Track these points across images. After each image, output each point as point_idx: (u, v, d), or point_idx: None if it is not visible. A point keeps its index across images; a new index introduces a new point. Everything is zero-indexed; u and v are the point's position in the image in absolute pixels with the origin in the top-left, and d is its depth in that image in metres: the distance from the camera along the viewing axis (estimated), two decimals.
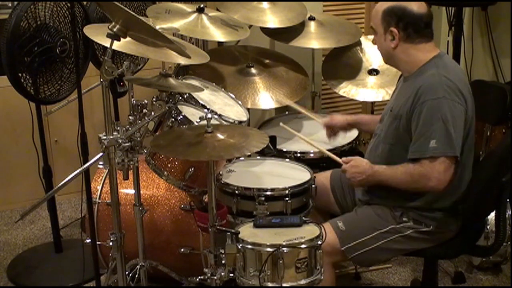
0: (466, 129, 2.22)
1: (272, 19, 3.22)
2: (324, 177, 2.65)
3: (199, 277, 2.33)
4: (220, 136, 2.16)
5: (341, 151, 2.93)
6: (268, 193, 2.42)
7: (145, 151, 2.47)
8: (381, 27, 2.30)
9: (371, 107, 3.65)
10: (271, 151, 2.86)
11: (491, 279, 3.01)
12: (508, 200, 2.34)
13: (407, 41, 2.28)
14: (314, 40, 3.30)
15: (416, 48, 2.28)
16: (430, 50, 2.29)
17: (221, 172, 2.56)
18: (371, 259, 2.35)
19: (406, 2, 2.27)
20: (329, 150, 2.91)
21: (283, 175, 2.61)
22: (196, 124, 2.37)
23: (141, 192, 2.50)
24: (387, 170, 2.27)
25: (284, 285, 2.02)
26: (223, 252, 2.16)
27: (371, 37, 2.45)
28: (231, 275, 2.14)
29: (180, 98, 2.55)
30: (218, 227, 2.18)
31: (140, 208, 2.45)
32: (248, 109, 2.87)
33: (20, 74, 2.65)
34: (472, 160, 2.33)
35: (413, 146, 2.21)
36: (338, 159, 2.43)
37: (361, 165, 2.32)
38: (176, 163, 2.46)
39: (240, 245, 2.07)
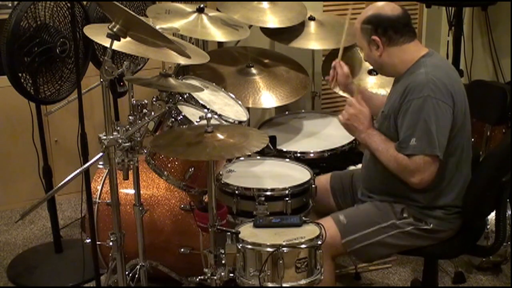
0: (457, 126, 2.22)
1: (272, 19, 3.22)
2: (325, 178, 2.66)
3: (199, 277, 2.33)
4: (220, 136, 2.16)
5: (341, 151, 2.93)
6: (268, 193, 2.43)
7: (145, 151, 2.47)
8: (364, 41, 2.34)
9: None
10: (271, 151, 2.86)
11: (491, 279, 3.01)
12: (508, 200, 2.34)
13: (391, 44, 2.29)
14: (314, 41, 3.30)
15: (402, 49, 2.30)
16: (416, 50, 2.31)
17: (221, 172, 2.56)
18: (370, 254, 2.36)
19: (379, 9, 2.30)
20: (329, 150, 2.93)
21: (283, 175, 2.61)
22: (196, 124, 2.38)
23: (141, 192, 2.49)
24: (381, 142, 2.27)
25: (284, 285, 2.02)
26: (223, 252, 2.16)
27: None
28: (231, 275, 2.15)
29: (180, 98, 2.55)
30: (218, 227, 2.18)
31: (140, 208, 2.45)
32: (248, 109, 2.87)
33: (20, 74, 2.64)
34: (470, 158, 2.34)
35: (396, 142, 2.23)
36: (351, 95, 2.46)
37: (367, 117, 2.31)
38: (176, 163, 2.46)
39: (240, 245, 2.07)
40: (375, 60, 2.35)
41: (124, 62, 2.46)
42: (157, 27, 2.22)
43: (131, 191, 2.57)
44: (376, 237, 2.30)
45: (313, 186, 2.53)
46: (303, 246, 2.04)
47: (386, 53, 2.31)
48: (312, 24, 3.37)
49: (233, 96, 2.92)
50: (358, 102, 2.34)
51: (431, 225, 2.30)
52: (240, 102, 2.88)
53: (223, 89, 2.94)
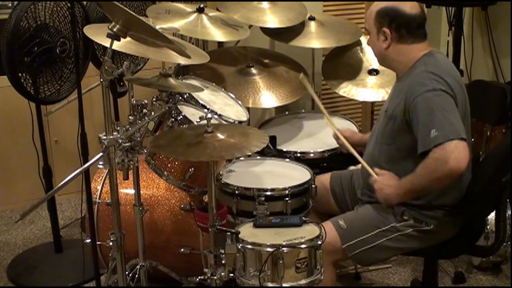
0: None
1: (272, 19, 3.22)
2: (324, 178, 2.66)
3: (199, 277, 2.33)
4: (220, 136, 2.16)
5: (341, 151, 2.92)
6: (268, 193, 2.43)
7: (145, 151, 2.47)
8: (374, 27, 2.33)
9: (371, 107, 3.66)
10: (271, 151, 2.86)
11: (491, 279, 3.01)
12: (508, 200, 2.34)
13: (400, 41, 2.30)
14: (314, 40, 3.30)
15: (409, 48, 2.30)
16: (421, 49, 2.30)
17: (221, 172, 2.56)
18: (371, 258, 2.35)
19: (399, 3, 2.30)
20: (329, 150, 2.93)
21: (283, 175, 2.61)
22: (196, 124, 2.38)
23: (141, 192, 2.49)
24: (410, 176, 2.22)
25: (284, 285, 2.02)
26: (223, 252, 2.16)
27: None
28: (231, 275, 2.14)
29: (180, 98, 2.55)
30: (218, 227, 2.18)
31: (140, 208, 2.45)
32: (248, 109, 2.87)
33: (20, 74, 2.64)
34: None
35: (419, 142, 2.18)
36: (369, 168, 2.35)
37: (392, 178, 2.28)
38: (176, 163, 2.46)
39: (240, 245, 2.07)
40: (380, 50, 2.35)
41: (124, 62, 2.46)
42: (157, 27, 2.22)
43: (131, 191, 2.57)
44: (377, 241, 2.30)
45: (313, 186, 2.53)
46: (303, 246, 2.04)
47: (393, 48, 2.31)
48: (312, 24, 3.37)
49: (233, 96, 2.92)
50: (377, 173, 2.32)
51: (432, 226, 2.30)
52: (240, 102, 2.88)
53: (223, 89, 2.94)
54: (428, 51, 2.30)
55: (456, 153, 2.08)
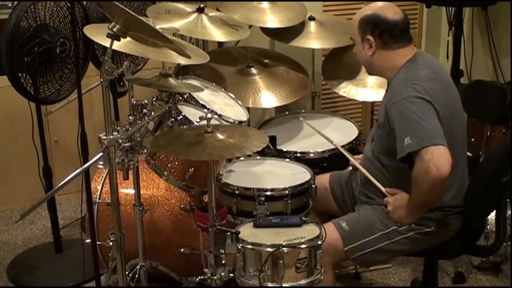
0: (446, 124, 2.19)
1: (272, 19, 3.22)
2: (324, 178, 2.66)
3: (199, 277, 2.33)
4: (220, 136, 2.17)
5: (341, 151, 2.93)
6: (268, 193, 2.43)
7: (145, 151, 2.47)
8: (359, 36, 2.35)
9: (371, 107, 3.66)
10: (271, 151, 2.86)
11: (491, 279, 3.01)
12: (508, 200, 2.34)
13: (384, 47, 2.31)
14: (314, 40, 3.30)
15: (394, 54, 2.31)
16: (406, 54, 2.31)
17: (221, 172, 2.56)
18: (373, 260, 2.36)
19: (381, 10, 2.31)
20: (329, 150, 2.93)
21: (283, 175, 2.61)
22: (196, 124, 2.38)
23: (141, 192, 2.49)
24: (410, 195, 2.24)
25: (284, 285, 2.02)
26: (223, 252, 2.16)
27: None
28: (231, 275, 2.15)
29: (180, 98, 2.56)
30: (218, 227, 2.18)
31: (140, 208, 2.45)
32: (248, 109, 2.87)
33: (20, 74, 2.64)
34: (465, 158, 2.34)
35: (397, 149, 2.19)
36: (381, 187, 2.33)
37: (403, 198, 2.26)
38: (176, 163, 2.46)
39: (240, 245, 2.07)
40: (366, 59, 2.36)
41: (124, 62, 2.46)
42: (157, 27, 2.22)
43: (131, 191, 2.57)
44: (379, 244, 2.29)
45: (313, 186, 2.53)
46: (303, 246, 2.04)
47: (378, 55, 2.32)
48: (312, 24, 3.37)
49: (233, 96, 2.92)
50: (388, 192, 2.31)
51: (433, 228, 2.29)
52: (240, 102, 2.88)
53: (223, 89, 2.94)
54: (411, 56, 2.31)
55: (434, 160, 2.08)
